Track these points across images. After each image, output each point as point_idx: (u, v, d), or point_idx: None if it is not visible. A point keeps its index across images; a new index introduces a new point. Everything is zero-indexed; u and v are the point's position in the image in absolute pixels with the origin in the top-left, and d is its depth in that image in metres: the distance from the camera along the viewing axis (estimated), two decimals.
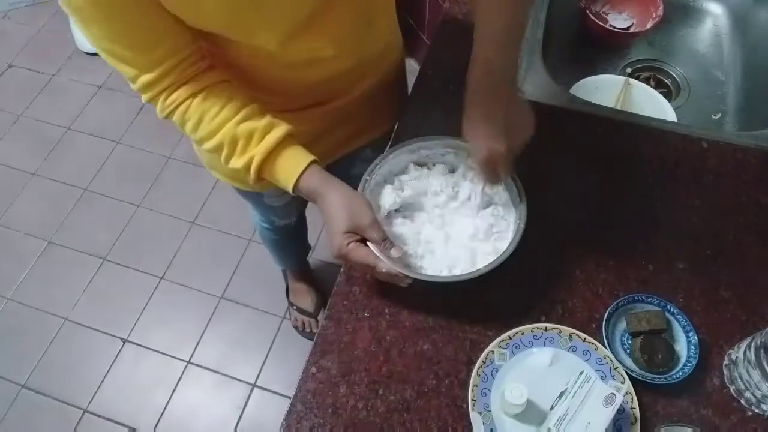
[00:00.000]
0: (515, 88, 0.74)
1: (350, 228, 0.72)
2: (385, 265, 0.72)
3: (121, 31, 0.66)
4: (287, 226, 1.37)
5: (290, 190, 0.75)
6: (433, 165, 0.86)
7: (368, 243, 0.73)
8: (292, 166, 0.74)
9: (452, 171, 0.86)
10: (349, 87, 0.90)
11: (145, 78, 0.70)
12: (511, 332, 0.78)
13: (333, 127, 0.95)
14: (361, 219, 0.72)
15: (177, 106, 0.73)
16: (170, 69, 0.70)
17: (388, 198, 0.82)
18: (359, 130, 1.02)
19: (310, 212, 1.44)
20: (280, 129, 0.75)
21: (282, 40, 0.72)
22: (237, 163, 0.75)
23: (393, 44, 0.96)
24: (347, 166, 1.21)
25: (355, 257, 0.72)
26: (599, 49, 1.25)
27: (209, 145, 0.75)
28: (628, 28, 1.23)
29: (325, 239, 1.91)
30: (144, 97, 0.73)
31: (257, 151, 0.73)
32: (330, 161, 1.07)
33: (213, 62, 0.75)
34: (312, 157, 0.75)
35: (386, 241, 0.73)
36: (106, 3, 0.62)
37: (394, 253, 0.73)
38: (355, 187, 0.80)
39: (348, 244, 0.72)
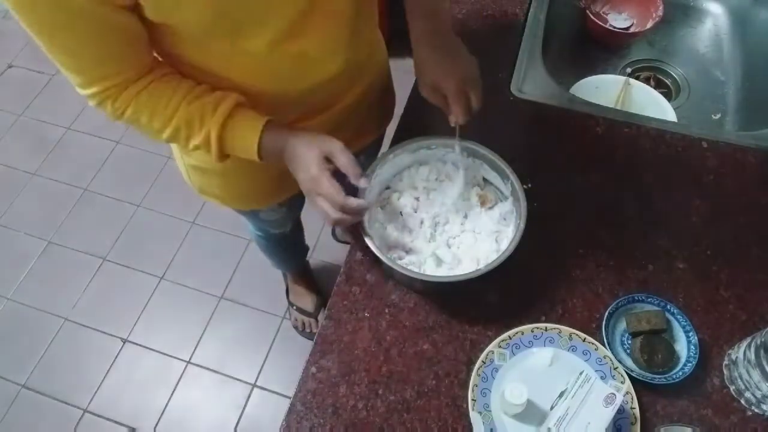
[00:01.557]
0: (454, 34, 0.80)
1: (324, 152, 0.72)
2: (355, 200, 0.72)
3: (71, 44, 0.64)
4: (282, 234, 1.36)
5: (255, 156, 0.74)
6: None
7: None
8: (250, 129, 0.73)
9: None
10: (336, 97, 0.89)
11: (91, 90, 0.69)
12: (511, 332, 0.78)
13: None
14: (332, 144, 0.72)
15: (127, 106, 0.72)
16: (120, 83, 0.69)
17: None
18: (349, 139, 1.00)
19: (307, 214, 1.44)
20: (231, 98, 0.73)
21: (270, 43, 0.71)
22: (197, 141, 0.74)
23: (377, 52, 0.96)
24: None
25: (327, 187, 0.71)
26: (599, 49, 1.25)
27: (167, 133, 0.74)
28: (628, 28, 1.23)
29: (326, 239, 1.92)
30: (91, 103, 0.72)
31: (212, 124, 0.72)
32: None
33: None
34: (265, 119, 0.74)
35: (355, 166, 0.72)
36: (67, 10, 0.60)
37: (362, 183, 0.73)
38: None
39: (324, 169, 0.71)
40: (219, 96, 0.74)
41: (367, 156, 1.13)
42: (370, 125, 1.06)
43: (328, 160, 0.72)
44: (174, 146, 0.99)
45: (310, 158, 0.72)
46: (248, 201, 1.08)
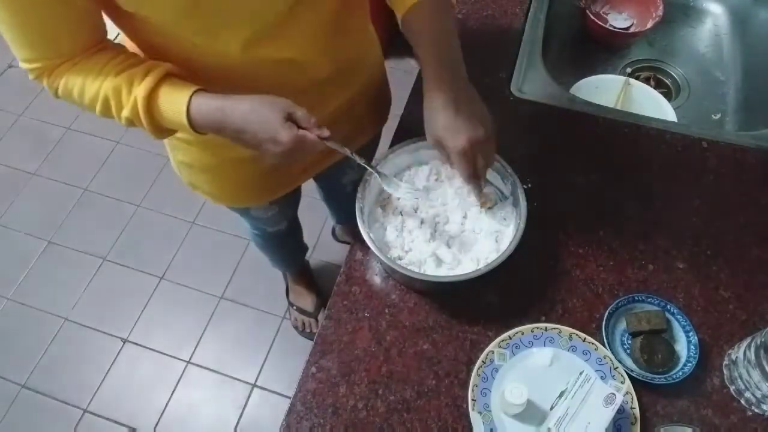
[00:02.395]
0: (468, 83, 0.75)
1: (284, 112, 0.67)
2: (333, 143, 0.70)
3: (28, 20, 0.64)
4: (278, 232, 1.36)
5: (185, 124, 0.69)
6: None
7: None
8: (177, 97, 0.69)
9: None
10: (326, 98, 0.89)
11: (36, 65, 0.68)
12: (511, 332, 0.78)
13: None
14: (283, 102, 0.68)
15: (61, 80, 0.70)
16: (63, 61, 0.69)
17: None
18: (343, 139, 1.00)
19: (305, 214, 1.44)
20: (162, 67, 0.70)
21: (245, 46, 0.70)
22: (125, 112, 0.70)
23: (369, 51, 0.95)
24: (338, 175, 1.20)
25: (312, 141, 0.69)
26: (599, 49, 1.25)
27: (99, 106, 0.70)
28: (628, 28, 1.23)
29: (326, 239, 1.92)
30: (30, 76, 0.71)
31: (139, 91, 0.68)
32: (319, 171, 1.06)
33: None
34: (196, 86, 0.70)
35: (313, 119, 0.70)
36: None
37: (324, 132, 0.69)
38: (352, 192, 0.80)
39: (298, 129, 0.68)
40: (150, 64, 0.70)
41: (362, 156, 1.13)
42: (363, 127, 1.05)
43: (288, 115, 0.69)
44: (166, 141, 0.98)
45: (275, 119, 0.67)
46: (236, 198, 1.08)
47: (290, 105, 0.68)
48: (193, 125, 0.69)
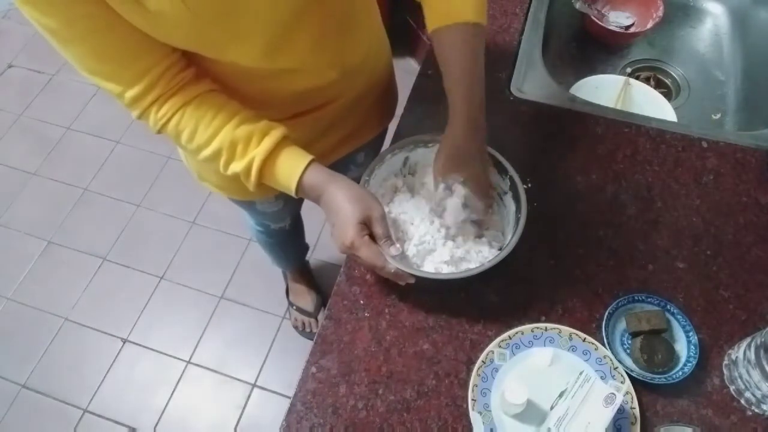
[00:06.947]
0: (484, 124, 0.79)
1: (363, 218, 0.72)
2: (393, 266, 0.72)
3: (99, 47, 0.65)
4: (282, 229, 1.36)
5: (293, 189, 0.74)
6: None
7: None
8: (294, 165, 0.74)
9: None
10: (334, 96, 0.89)
11: (132, 93, 0.68)
12: (511, 332, 0.78)
13: (321, 134, 0.94)
14: (373, 210, 0.72)
15: (170, 118, 0.71)
16: (155, 80, 0.68)
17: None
18: (349, 135, 1.01)
19: (307, 213, 1.44)
20: (279, 130, 0.74)
21: (255, 58, 0.72)
22: (237, 166, 0.74)
23: (377, 50, 0.95)
24: (341, 172, 1.20)
25: (366, 253, 0.72)
26: (599, 49, 1.25)
27: (207, 152, 0.74)
28: (628, 28, 1.23)
29: (326, 239, 1.92)
30: (134, 114, 0.71)
31: (258, 152, 0.72)
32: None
33: (199, 72, 0.74)
34: (311, 156, 0.75)
35: (388, 238, 0.73)
36: (80, 21, 0.61)
37: (393, 251, 0.73)
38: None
39: (363, 236, 0.72)
40: (267, 125, 0.74)
41: (366, 154, 1.13)
42: (369, 122, 1.05)
43: (364, 222, 0.72)
44: None
45: (349, 220, 0.71)
46: (244, 190, 1.09)
47: (373, 213, 0.73)
48: (297, 192, 0.75)
